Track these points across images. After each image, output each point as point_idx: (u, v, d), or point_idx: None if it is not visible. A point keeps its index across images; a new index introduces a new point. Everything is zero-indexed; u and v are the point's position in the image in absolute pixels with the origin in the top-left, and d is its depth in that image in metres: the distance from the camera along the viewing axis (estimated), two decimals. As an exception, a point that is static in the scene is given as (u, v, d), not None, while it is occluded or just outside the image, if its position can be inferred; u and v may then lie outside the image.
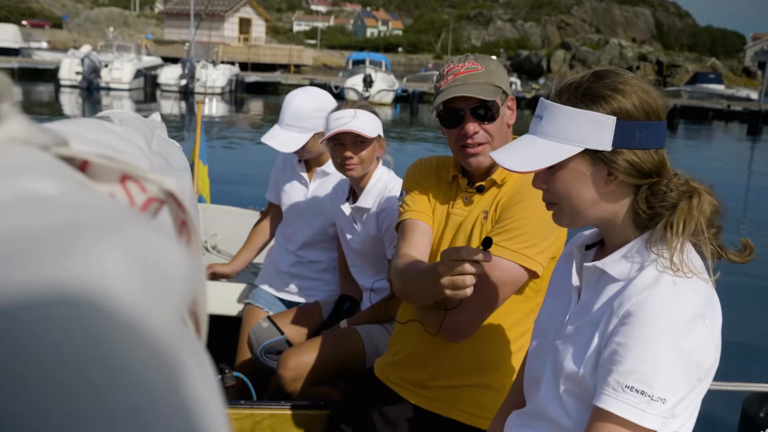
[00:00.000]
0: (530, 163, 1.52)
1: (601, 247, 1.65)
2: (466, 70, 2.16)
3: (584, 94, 1.48)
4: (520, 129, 2.15)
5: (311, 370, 2.83)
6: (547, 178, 1.54)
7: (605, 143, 1.45)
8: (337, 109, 2.87)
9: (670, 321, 1.37)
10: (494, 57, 2.38)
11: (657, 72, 70.63)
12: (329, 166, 3.30)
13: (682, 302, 1.39)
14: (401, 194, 2.39)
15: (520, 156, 1.53)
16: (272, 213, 3.64)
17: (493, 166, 2.22)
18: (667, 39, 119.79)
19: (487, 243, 1.81)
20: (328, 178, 3.33)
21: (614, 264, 1.51)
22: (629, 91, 1.47)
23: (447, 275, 1.80)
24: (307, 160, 3.39)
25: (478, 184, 2.25)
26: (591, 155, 1.47)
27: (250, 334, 3.11)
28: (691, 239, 1.47)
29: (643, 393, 1.36)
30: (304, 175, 3.38)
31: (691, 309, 1.39)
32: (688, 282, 1.42)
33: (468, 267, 1.77)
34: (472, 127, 2.14)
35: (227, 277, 3.71)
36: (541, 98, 1.56)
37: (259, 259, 3.86)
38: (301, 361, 2.85)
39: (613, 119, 1.44)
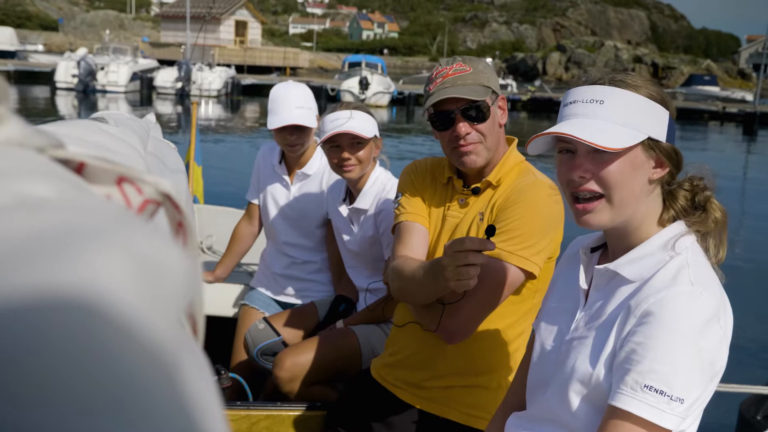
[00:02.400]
0: (617, 141, 1.44)
1: (605, 250, 1.65)
2: (454, 71, 2.15)
3: (642, 87, 1.52)
4: (516, 131, 2.14)
5: (307, 370, 2.83)
6: (594, 168, 1.48)
7: (662, 135, 1.50)
8: (333, 110, 2.85)
9: (689, 321, 1.38)
10: (489, 59, 2.38)
11: (652, 74, 70.77)
12: (309, 168, 3.31)
13: (700, 302, 1.40)
14: (397, 196, 2.39)
15: (600, 134, 1.44)
16: (254, 214, 3.61)
17: (487, 166, 2.22)
18: (662, 41, 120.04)
19: (490, 231, 1.80)
20: (309, 180, 3.33)
21: (628, 266, 1.51)
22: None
23: (452, 266, 1.79)
24: (287, 162, 3.38)
25: (473, 186, 2.24)
26: (648, 145, 1.49)
27: (246, 336, 3.10)
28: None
29: (662, 393, 1.36)
30: (286, 177, 3.37)
31: (708, 310, 1.39)
32: (704, 282, 1.43)
33: (473, 257, 1.76)
34: (463, 128, 2.14)
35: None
36: (592, 84, 1.51)
37: (254, 259, 3.85)
38: (297, 361, 2.84)
39: (667, 113, 1.51)
